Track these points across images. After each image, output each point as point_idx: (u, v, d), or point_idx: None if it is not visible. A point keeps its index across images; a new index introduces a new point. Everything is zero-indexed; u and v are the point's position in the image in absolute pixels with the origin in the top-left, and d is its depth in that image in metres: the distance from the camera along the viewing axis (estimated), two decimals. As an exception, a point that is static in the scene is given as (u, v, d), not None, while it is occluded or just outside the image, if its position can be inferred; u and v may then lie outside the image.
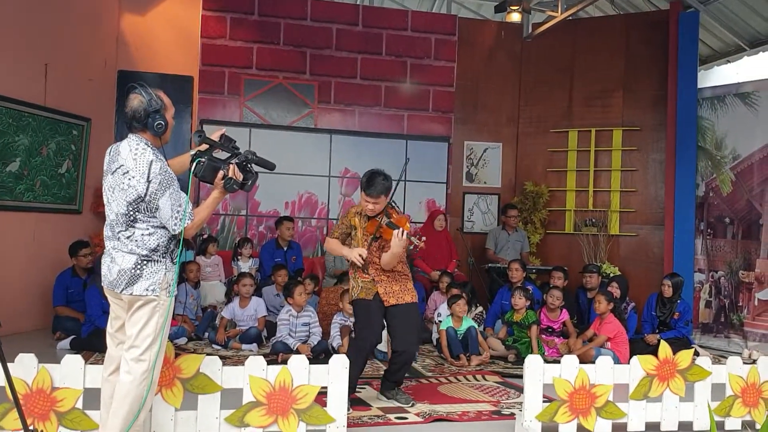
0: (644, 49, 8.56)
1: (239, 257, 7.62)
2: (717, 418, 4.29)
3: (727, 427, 4.35)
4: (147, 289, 3.07)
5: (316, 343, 6.04)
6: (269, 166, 3.44)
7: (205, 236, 7.92)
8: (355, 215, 4.71)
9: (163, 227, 3.13)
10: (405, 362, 4.73)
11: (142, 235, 3.08)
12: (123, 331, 3.17)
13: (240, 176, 3.26)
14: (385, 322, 4.79)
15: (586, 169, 8.82)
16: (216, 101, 8.29)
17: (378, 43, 8.79)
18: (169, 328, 3.20)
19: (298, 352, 5.67)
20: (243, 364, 3.67)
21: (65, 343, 6.07)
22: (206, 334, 6.64)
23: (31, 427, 2.98)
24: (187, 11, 8.31)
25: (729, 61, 8.68)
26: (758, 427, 4.25)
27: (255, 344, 6.38)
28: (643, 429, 4.19)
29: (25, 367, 3.38)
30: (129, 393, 3.05)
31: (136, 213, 3.07)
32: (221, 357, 4.44)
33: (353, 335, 4.92)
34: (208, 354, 3.71)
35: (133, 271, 3.06)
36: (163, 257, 3.13)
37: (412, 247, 4.50)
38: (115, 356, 3.21)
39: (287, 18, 8.50)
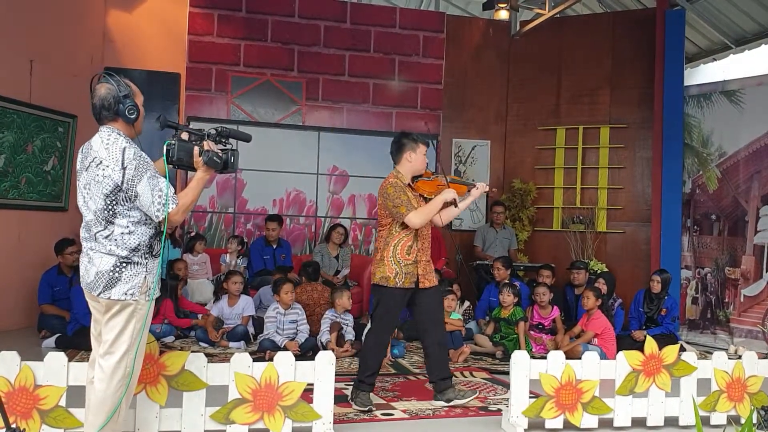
0: (631, 46, 8.60)
1: (227, 253, 7.60)
2: (702, 413, 4.31)
3: (712, 422, 4.37)
4: (125, 294, 2.92)
5: (303, 340, 6.03)
6: (245, 138, 3.28)
7: (193, 234, 7.89)
8: (403, 188, 4.45)
9: (144, 224, 2.97)
10: (444, 347, 4.69)
11: (122, 233, 2.92)
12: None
13: (217, 149, 3.09)
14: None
15: (574, 166, 8.84)
16: (203, 98, 8.24)
17: (366, 40, 8.78)
18: (147, 334, 3.08)
19: (286, 349, 5.65)
20: (229, 362, 3.65)
21: (50, 341, 6.02)
22: (193, 333, 6.61)
23: (13, 426, 2.93)
24: (174, 8, 8.27)
25: (715, 59, 8.71)
26: (743, 421, 4.27)
27: (242, 342, 6.37)
28: (629, 424, 4.21)
29: (7, 364, 3.34)
30: (105, 402, 2.93)
31: (115, 206, 2.90)
32: (208, 355, 4.43)
33: (370, 328, 4.64)
34: (194, 352, 3.68)
35: (111, 273, 2.91)
36: (144, 258, 2.97)
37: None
38: None
39: (275, 15, 8.46)
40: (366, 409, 4.37)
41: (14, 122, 6.74)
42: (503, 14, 8.49)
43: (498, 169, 9.32)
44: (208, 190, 8.26)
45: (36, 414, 3.36)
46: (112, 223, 2.92)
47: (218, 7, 8.27)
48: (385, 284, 4.40)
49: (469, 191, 4.65)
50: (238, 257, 7.59)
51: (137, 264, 2.95)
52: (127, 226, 2.93)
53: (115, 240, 2.92)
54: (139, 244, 2.95)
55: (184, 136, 3.11)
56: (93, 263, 2.95)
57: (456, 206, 4.54)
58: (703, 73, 8.71)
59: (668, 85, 8.01)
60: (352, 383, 4.59)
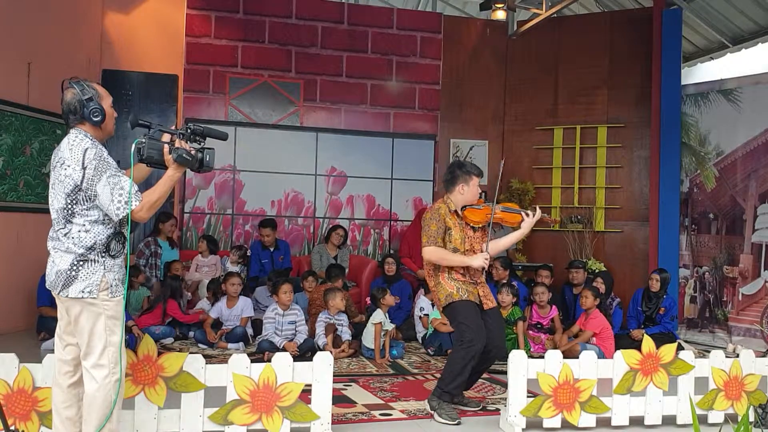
0: (628, 46, 8.61)
1: (228, 262, 7.62)
2: (700, 412, 4.32)
3: (710, 421, 4.38)
4: (82, 291, 2.93)
5: (302, 341, 6.03)
6: (220, 136, 3.22)
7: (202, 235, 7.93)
8: (446, 215, 4.40)
9: (102, 223, 2.98)
10: (490, 365, 4.57)
11: (79, 231, 2.94)
12: (69, 332, 3.06)
13: (189, 148, 3.06)
14: None
15: (572, 166, 8.85)
16: (201, 100, 8.25)
17: (363, 41, 8.79)
18: (124, 330, 3.05)
19: (284, 350, 5.65)
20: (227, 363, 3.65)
21: (49, 343, 5.99)
22: (192, 334, 6.62)
23: (12, 427, 2.95)
24: (172, 9, 8.27)
25: (712, 58, 8.73)
26: (740, 419, 4.28)
27: (241, 343, 6.37)
28: (627, 423, 4.22)
29: (5, 367, 3.35)
30: (95, 401, 2.94)
31: (74, 206, 2.94)
32: (207, 356, 4.44)
33: (460, 340, 4.34)
34: (193, 353, 3.68)
35: (68, 272, 2.93)
36: (101, 256, 2.97)
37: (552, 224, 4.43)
38: (64, 359, 3.09)
39: (272, 16, 8.48)
40: (455, 422, 4.19)
41: (12, 125, 6.75)
42: (500, 14, 8.50)
43: (496, 169, 9.31)
44: (207, 192, 8.27)
45: (35, 416, 3.37)
46: (71, 222, 2.96)
47: (215, 8, 8.28)
48: (452, 300, 4.35)
49: (523, 220, 4.41)
50: (238, 266, 7.58)
51: (94, 262, 2.96)
52: (84, 225, 2.96)
53: (73, 238, 2.95)
54: (95, 243, 2.96)
55: (165, 137, 3.11)
56: (54, 262, 2.98)
57: (484, 264, 4.35)
58: (700, 72, 8.73)
59: (665, 85, 8.02)
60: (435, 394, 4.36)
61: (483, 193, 4.61)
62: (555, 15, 8.57)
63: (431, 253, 4.34)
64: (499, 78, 9.32)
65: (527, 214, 4.38)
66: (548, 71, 9.06)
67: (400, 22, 8.94)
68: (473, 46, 9.30)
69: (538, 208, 4.42)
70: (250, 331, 6.57)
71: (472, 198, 4.43)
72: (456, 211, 4.44)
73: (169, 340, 6.45)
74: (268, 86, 8.48)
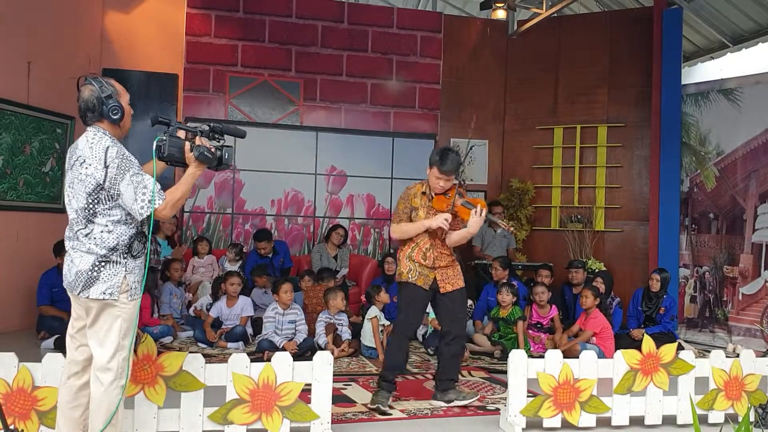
0: (628, 45, 8.60)
1: (227, 261, 7.61)
2: (700, 412, 4.32)
3: (710, 421, 4.38)
4: (104, 293, 2.89)
5: (302, 340, 6.03)
6: (239, 134, 3.25)
7: (194, 237, 7.90)
8: (415, 196, 4.50)
9: (124, 224, 2.95)
10: (459, 348, 4.64)
11: (101, 232, 2.90)
12: (83, 333, 3.02)
13: (210, 145, 3.07)
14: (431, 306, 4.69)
15: (572, 165, 8.85)
16: (201, 99, 8.25)
17: (363, 41, 8.79)
18: (135, 333, 3.02)
19: (284, 349, 5.65)
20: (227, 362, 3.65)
21: (49, 342, 6.02)
22: (192, 333, 6.61)
23: (11, 427, 2.94)
24: (172, 9, 8.27)
25: (712, 58, 8.73)
26: (741, 419, 4.28)
27: (241, 342, 6.37)
28: (627, 423, 4.22)
29: (5, 366, 3.34)
30: (101, 403, 2.92)
31: (96, 205, 2.89)
32: (207, 355, 4.44)
33: (396, 321, 4.61)
34: (192, 352, 3.68)
35: (89, 273, 2.89)
36: (123, 258, 2.94)
37: (507, 230, 4.46)
38: (75, 360, 3.06)
39: (272, 15, 8.47)
40: (374, 407, 4.35)
41: (12, 123, 6.74)
42: (500, 14, 8.49)
43: (496, 169, 9.32)
44: (207, 191, 8.27)
45: (34, 415, 3.36)
46: (92, 222, 2.92)
47: (216, 7, 8.28)
48: (401, 280, 4.54)
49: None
50: (237, 264, 7.57)
51: (116, 263, 2.93)
52: (107, 225, 2.92)
53: (95, 238, 2.91)
54: (117, 244, 2.93)
55: (180, 133, 3.08)
56: (74, 262, 2.94)
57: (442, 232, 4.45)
58: (700, 72, 8.73)
59: (666, 84, 8.02)
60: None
61: (461, 182, 4.63)
62: (555, 14, 8.57)
63: (394, 231, 4.57)
64: (499, 77, 9.31)
65: (475, 213, 4.32)
66: (548, 71, 9.06)
67: (400, 22, 8.94)
68: (473, 46, 9.29)
69: (480, 208, 4.32)
70: (249, 330, 6.57)
71: (433, 186, 4.47)
72: (426, 193, 4.51)
73: (168, 339, 6.44)
74: (268, 85, 8.48)
